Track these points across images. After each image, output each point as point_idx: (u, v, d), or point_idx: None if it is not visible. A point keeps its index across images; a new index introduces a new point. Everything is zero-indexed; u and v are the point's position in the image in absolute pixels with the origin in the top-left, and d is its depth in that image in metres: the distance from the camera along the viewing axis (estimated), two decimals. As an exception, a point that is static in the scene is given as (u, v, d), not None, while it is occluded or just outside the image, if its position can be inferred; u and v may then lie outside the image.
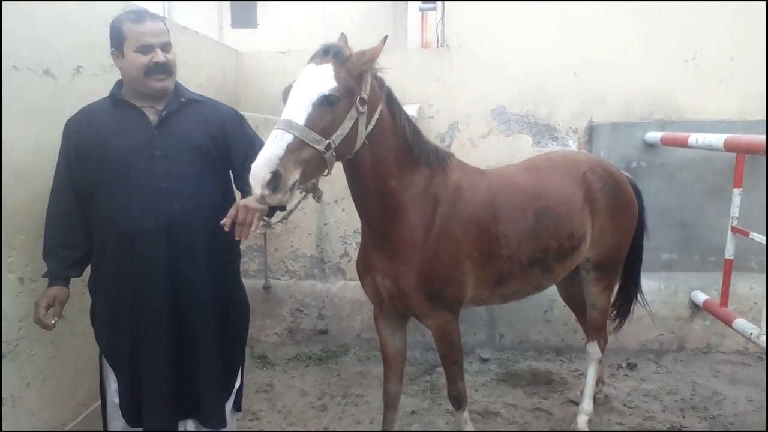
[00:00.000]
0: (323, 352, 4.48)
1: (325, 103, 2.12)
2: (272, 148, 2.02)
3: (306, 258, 4.58)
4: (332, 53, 2.20)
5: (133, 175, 2.39)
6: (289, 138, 2.04)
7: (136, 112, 2.45)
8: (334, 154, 2.15)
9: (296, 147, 2.05)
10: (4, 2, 2.38)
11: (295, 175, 2.05)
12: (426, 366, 4.25)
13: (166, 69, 2.41)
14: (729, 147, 3.57)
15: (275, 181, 1.99)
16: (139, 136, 2.41)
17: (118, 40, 2.41)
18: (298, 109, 2.10)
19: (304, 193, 2.35)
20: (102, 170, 2.41)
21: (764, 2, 4.39)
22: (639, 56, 4.59)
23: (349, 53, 2.24)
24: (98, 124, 2.44)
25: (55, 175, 2.50)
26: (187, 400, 2.59)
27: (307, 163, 2.09)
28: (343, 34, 2.42)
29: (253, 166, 2.01)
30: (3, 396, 2.54)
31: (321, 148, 2.10)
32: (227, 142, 2.60)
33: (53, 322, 2.42)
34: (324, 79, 2.14)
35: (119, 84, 2.53)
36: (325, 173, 2.24)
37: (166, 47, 2.43)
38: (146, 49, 2.37)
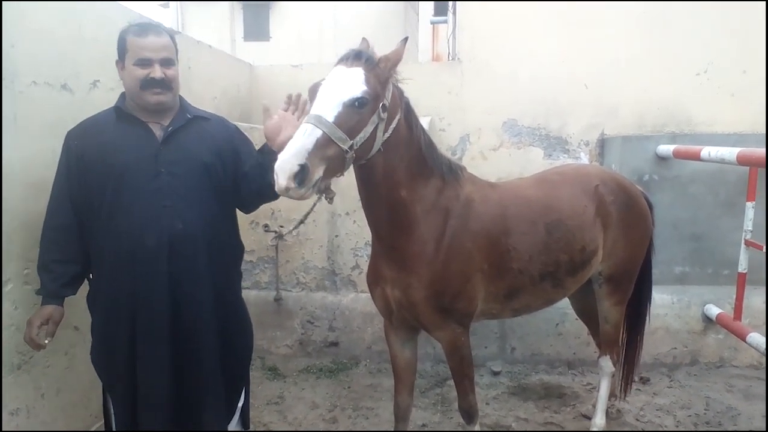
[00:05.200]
0: (334, 365, 4.48)
1: (356, 104, 2.13)
2: (302, 141, 2.01)
3: (317, 270, 4.60)
4: (365, 58, 2.24)
5: (136, 192, 2.34)
6: (318, 133, 2.04)
7: (141, 127, 2.40)
8: (353, 155, 2.17)
9: (324, 143, 2.05)
10: (5, 2, 2.41)
11: (319, 172, 2.04)
12: (437, 379, 4.24)
13: (162, 84, 2.35)
14: (742, 161, 3.55)
15: (302, 174, 1.98)
16: (144, 152, 2.37)
17: (121, 51, 2.40)
18: (329, 107, 2.11)
19: (318, 195, 2.36)
20: (104, 185, 2.35)
21: (765, 3, 4.39)
22: (651, 69, 4.59)
23: (377, 59, 2.27)
24: (102, 137, 2.38)
25: (53, 187, 2.45)
26: (188, 420, 2.51)
27: (330, 160, 2.09)
28: (364, 39, 2.43)
29: (281, 156, 1.99)
30: (18, 407, 2.57)
31: (345, 147, 2.10)
32: (237, 154, 2.55)
33: (46, 342, 2.35)
34: (356, 82, 2.16)
35: (123, 97, 2.48)
36: (338, 174, 2.26)
37: (166, 62, 2.38)
38: (144, 62, 2.33)
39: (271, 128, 2.39)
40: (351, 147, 2.13)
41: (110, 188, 2.34)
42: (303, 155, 1.98)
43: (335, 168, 2.15)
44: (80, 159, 2.38)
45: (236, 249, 2.72)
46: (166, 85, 2.37)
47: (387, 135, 2.31)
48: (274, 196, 2.57)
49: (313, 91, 2.23)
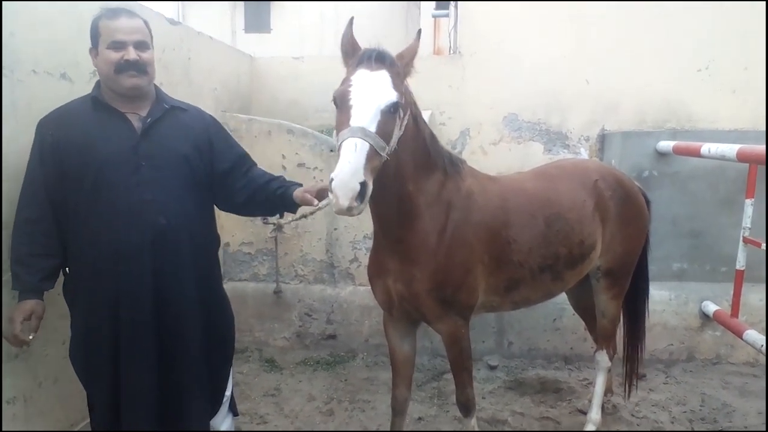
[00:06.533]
0: (331, 357, 4.49)
1: (392, 110, 2.12)
2: (356, 157, 1.98)
3: (316, 263, 4.60)
4: (388, 61, 2.21)
5: (117, 186, 2.28)
6: (366, 147, 2.02)
7: (119, 118, 2.34)
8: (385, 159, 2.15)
9: (372, 155, 2.03)
10: (5, 2, 2.40)
11: (371, 184, 2.02)
12: (434, 372, 4.25)
13: (137, 67, 2.29)
14: (742, 157, 3.55)
15: (363, 191, 1.96)
16: (123, 145, 2.30)
17: (94, 38, 2.34)
18: (368, 116, 2.08)
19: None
20: (82, 178, 2.27)
21: (765, 3, 4.37)
22: (652, 64, 4.58)
23: (396, 59, 2.25)
24: (78, 128, 2.30)
25: (25, 178, 2.35)
26: (174, 413, 2.49)
27: (376, 170, 2.08)
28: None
29: (339, 176, 1.94)
30: (15, 396, 2.57)
31: (384, 154, 2.10)
32: (211, 147, 2.53)
33: (30, 338, 2.28)
34: (387, 87, 2.14)
35: (99, 86, 2.41)
36: None
37: (140, 45, 2.32)
38: (118, 45, 2.27)
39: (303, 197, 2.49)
40: (387, 152, 2.12)
41: (89, 182, 2.28)
42: (361, 172, 1.96)
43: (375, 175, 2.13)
44: (55, 150, 2.30)
45: (215, 240, 2.71)
46: (141, 68, 2.32)
47: (401, 132, 2.28)
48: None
49: (343, 98, 2.16)
